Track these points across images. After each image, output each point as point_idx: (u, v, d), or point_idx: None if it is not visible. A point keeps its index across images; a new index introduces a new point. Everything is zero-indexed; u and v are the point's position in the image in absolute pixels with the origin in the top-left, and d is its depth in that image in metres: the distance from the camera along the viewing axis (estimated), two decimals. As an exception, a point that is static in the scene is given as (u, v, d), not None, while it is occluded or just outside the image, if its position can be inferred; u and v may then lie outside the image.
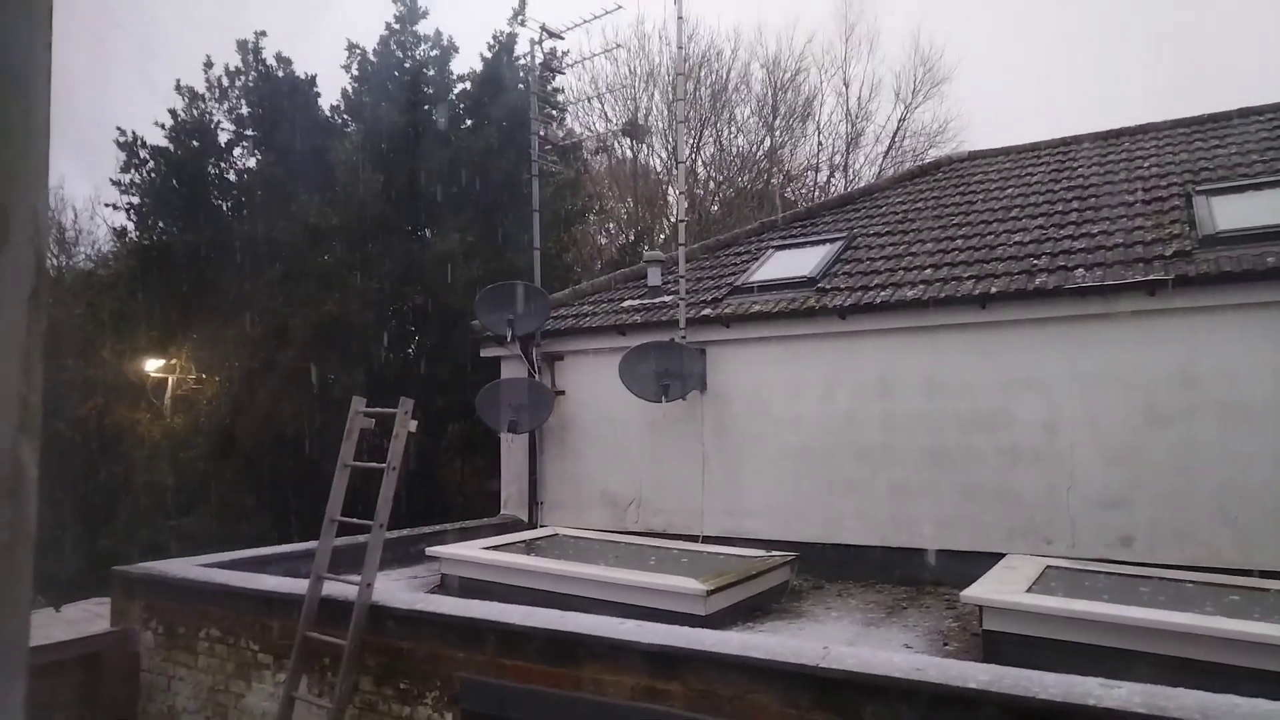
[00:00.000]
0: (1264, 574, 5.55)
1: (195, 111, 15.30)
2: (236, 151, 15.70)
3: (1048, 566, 5.66)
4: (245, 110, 15.53)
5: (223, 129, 15.52)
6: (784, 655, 3.90)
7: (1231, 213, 6.99)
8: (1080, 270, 6.82)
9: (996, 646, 4.70)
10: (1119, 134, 10.48)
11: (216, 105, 15.49)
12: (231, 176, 15.66)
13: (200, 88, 15.31)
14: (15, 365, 0.58)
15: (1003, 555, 6.12)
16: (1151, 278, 6.34)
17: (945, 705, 3.44)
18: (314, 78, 15.54)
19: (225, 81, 15.41)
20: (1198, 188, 7.82)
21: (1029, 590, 5.02)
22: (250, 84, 15.43)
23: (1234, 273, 6.08)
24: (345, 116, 15.90)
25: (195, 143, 15.09)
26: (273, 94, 15.16)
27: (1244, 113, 9.83)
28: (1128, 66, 40.12)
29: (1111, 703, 3.14)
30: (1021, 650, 4.48)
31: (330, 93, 18.53)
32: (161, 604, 6.29)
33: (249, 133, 15.54)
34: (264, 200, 14.26)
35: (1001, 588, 5.07)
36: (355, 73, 15.49)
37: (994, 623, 4.81)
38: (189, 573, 6.29)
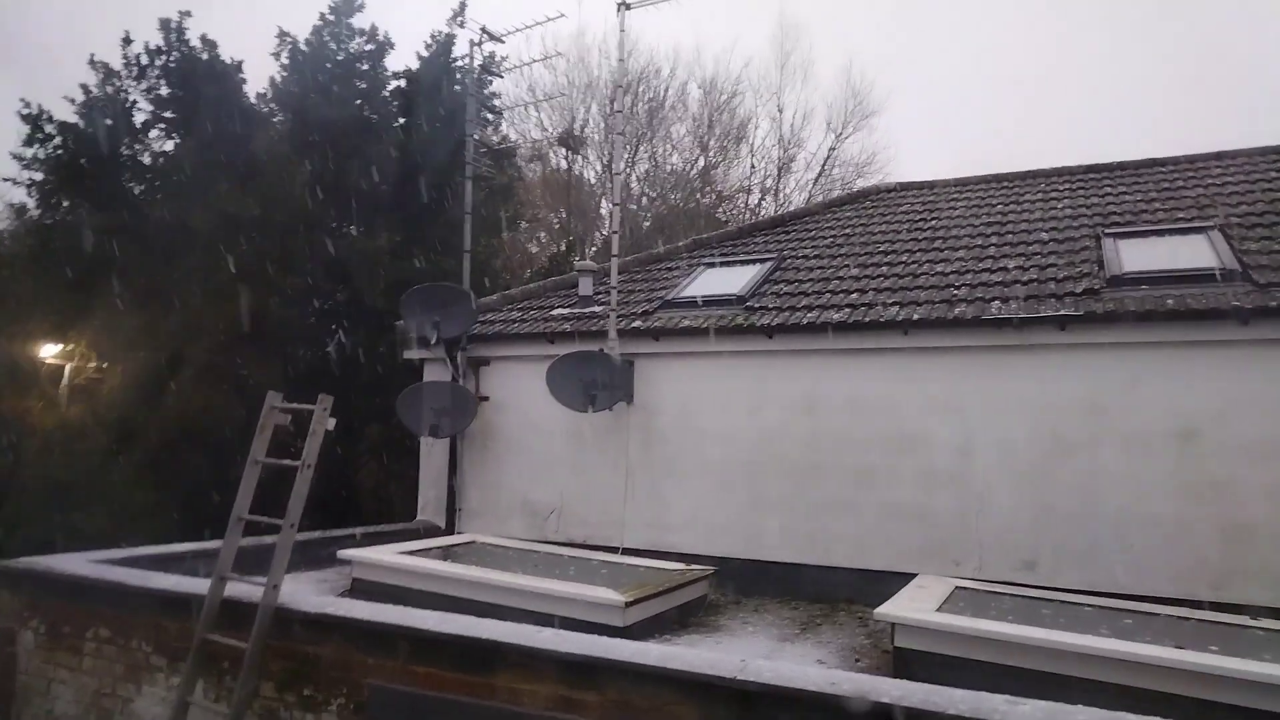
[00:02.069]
0: (1155, 599, 5.83)
1: (110, 88, 14.58)
2: (153, 134, 15.01)
3: (957, 587, 5.83)
4: (165, 91, 14.87)
5: (139, 109, 14.83)
6: (702, 667, 3.90)
7: (1136, 256, 7.39)
8: (997, 302, 7.10)
9: (906, 663, 4.80)
10: (1035, 175, 10.99)
11: (134, 84, 14.80)
12: (146, 159, 14.96)
13: (116, 64, 14.62)
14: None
15: (914, 575, 6.28)
16: (1062, 313, 6.65)
17: (858, 719, 3.49)
18: (240, 63, 15.00)
19: (144, 60, 14.75)
20: (1106, 230, 8.26)
21: (939, 609, 5.16)
22: (171, 64, 14.81)
23: (1137, 312, 6.42)
24: (272, 105, 15.40)
25: (108, 121, 14.36)
26: (195, 76, 14.56)
27: (1150, 163, 10.44)
28: (1047, 109, 42.21)
29: (1017, 719, 3.24)
30: (930, 667, 4.58)
31: (258, 80, 17.96)
32: (46, 602, 5.91)
33: (167, 115, 14.88)
34: (180, 186, 13.65)
35: (912, 606, 5.19)
36: (285, 61, 15.03)
37: (905, 640, 4.93)
38: (79, 569, 5.92)
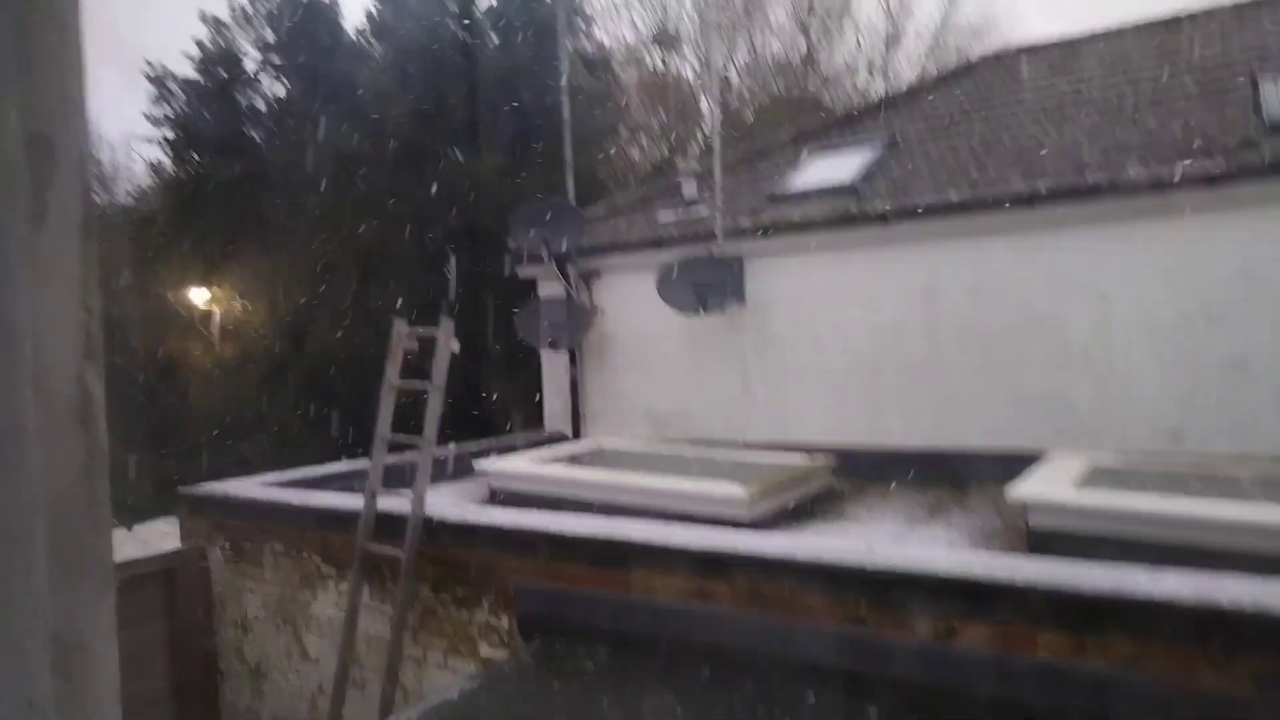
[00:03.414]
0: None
1: (221, 41, 15.18)
2: (264, 80, 15.60)
3: (1095, 464, 5.61)
4: (270, 37, 15.35)
5: (249, 57, 15.40)
6: (828, 554, 3.95)
7: (1300, 96, 6.62)
8: (1135, 165, 6.54)
9: (1042, 543, 4.70)
10: (1179, 19, 9.88)
11: (241, 33, 15.35)
12: (262, 106, 15.60)
13: (225, 16, 15.16)
14: (75, 294, 0.59)
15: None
16: (1211, 169, 6.06)
17: (992, 599, 3.47)
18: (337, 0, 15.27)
19: (249, 8, 15.22)
20: (1264, 71, 7.39)
21: (1077, 487, 5.00)
22: (274, 9, 15.22)
23: (1300, 159, 5.79)
24: (371, 40, 15.65)
25: (223, 73, 15.01)
26: (296, 18, 14.95)
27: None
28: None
29: (1160, 593, 3.14)
30: (1068, 546, 4.48)
31: (354, 15, 18.24)
32: (228, 522, 6.57)
33: (275, 60, 15.40)
34: (295, 128, 14.22)
35: (1048, 485, 5.05)
36: (378, -9, 15.18)
37: (1040, 519, 4.82)
38: (252, 492, 6.54)
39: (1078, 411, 6.56)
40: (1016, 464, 5.74)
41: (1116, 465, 5.67)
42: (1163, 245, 6.32)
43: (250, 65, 15.40)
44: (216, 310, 15.80)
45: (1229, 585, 3.14)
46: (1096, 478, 5.28)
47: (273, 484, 6.79)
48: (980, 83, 10.32)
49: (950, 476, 6.87)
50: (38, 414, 0.57)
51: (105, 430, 0.62)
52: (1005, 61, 10.88)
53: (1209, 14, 9.74)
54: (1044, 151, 7.40)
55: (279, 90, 15.64)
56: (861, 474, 7.15)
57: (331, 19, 15.28)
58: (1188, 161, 6.27)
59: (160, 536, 7.02)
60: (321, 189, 13.20)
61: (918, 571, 3.64)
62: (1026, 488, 4.99)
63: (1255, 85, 7.20)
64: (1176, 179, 6.14)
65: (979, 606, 3.49)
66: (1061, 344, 6.65)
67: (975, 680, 3.42)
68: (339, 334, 12.19)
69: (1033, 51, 10.86)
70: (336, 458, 7.74)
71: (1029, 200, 6.71)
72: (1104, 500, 4.68)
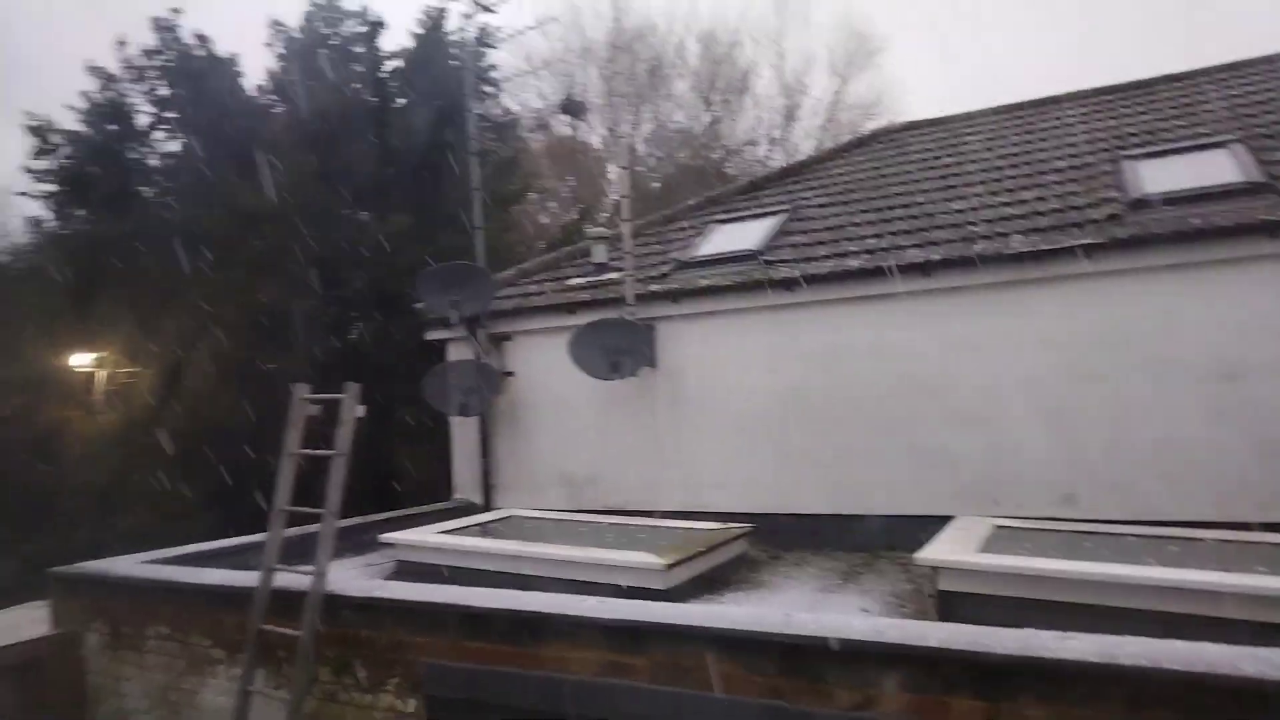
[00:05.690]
0: (1200, 524, 5.78)
1: (111, 93, 14.61)
2: (156, 135, 15.06)
3: (997, 527, 5.82)
4: (164, 91, 14.88)
5: (140, 111, 14.86)
6: (746, 623, 3.94)
7: (1157, 177, 7.22)
8: (1017, 236, 6.98)
9: (952, 606, 4.81)
10: (1047, 102, 10.73)
11: (133, 86, 14.81)
12: (154, 161, 15.03)
13: (114, 69, 14.62)
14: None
15: (950, 518, 6.26)
16: (1085, 241, 6.52)
17: (906, 664, 3.52)
18: (235, 57, 14.99)
19: (142, 61, 14.74)
20: (1125, 153, 8.06)
21: (981, 550, 5.15)
22: (169, 64, 14.79)
23: (1162, 235, 6.29)
24: (272, 97, 15.38)
25: (113, 126, 14.42)
26: (192, 74, 14.56)
27: (1165, 79, 10.16)
28: (1058, 30, 41.07)
29: (1066, 654, 3.25)
30: (976, 608, 4.60)
31: (255, 73, 17.94)
32: (105, 604, 6.08)
33: (169, 115, 14.91)
34: (190, 185, 13.73)
35: (955, 549, 5.19)
36: (281, 51, 14.98)
37: (949, 583, 4.93)
38: (133, 571, 6.09)
39: (973, 468, 6.82)
40: (925, 527, 5.88)
41: (1018, 527, 5.90)
42: (1044, 310, 6.72)
43: (142, 119, 14.87)
44: (99, 374, 14.87)
45: (1127, 644, 3.27)
46: (1000, 540, 5.46)
47: (157, 561, 6.36)
48: (873, 156, 10.90)
49: (862, 541, 7.00)
50: None
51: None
52: (895, 136, 11.55)
53: (1073, 97, 10.63)
54: (935, 221, 7.81)
55: (172, 146, 15.14)
56: (776, 541, 7.20)
57: (230, 74, 14.96)
58: (1063, 234, 6.73)
59: (27, 623, 6.42)
60: (217, 248, 12.73)
61: (836, 639, 3.66)
62: (934, 551, 5.12)
63: (1117, 164, 7.84)
64: (1054, 250, 6.58)
65: (894, 674, 3.53)
66: (955, 404, 6.93)
67: (895, 749, 3.43)
68: (235, 400, 11.63)
69: (919, 128, 11.58)
70: (232, 531, 7.31)
71: (923, 269, 7.05)
72: (1008, 563, 4.83)
